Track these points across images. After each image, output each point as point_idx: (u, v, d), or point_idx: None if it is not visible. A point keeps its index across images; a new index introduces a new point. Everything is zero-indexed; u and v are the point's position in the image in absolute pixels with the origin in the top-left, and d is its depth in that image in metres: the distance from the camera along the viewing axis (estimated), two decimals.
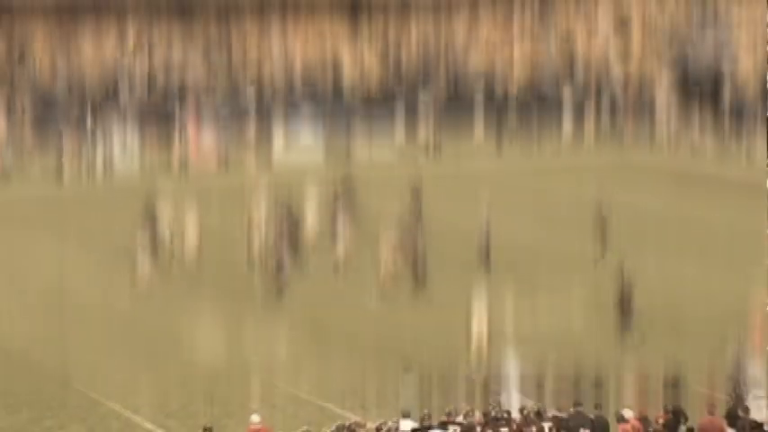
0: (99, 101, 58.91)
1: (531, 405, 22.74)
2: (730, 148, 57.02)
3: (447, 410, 21.92)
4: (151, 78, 61.01)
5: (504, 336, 30.11)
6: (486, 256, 35.74)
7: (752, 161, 55.11)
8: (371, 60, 65.42)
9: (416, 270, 33.69)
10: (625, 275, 30.03)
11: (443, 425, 21.39)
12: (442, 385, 26.59)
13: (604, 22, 68.71)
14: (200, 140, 54.67)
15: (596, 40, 67.52)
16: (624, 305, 29.80)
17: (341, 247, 36.23)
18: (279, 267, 33.15)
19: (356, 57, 65.62)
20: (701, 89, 62.16)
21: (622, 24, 68.26)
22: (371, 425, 21.13)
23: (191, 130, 54.84)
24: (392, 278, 34.02)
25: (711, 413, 22.02)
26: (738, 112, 58.73)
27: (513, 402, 22.94)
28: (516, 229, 41.33)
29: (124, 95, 59.72)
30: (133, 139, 54.98)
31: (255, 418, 21.52)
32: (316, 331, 30.56)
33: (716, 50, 64.05)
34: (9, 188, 49.00)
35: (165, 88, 60.57)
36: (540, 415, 22.04)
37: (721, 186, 50.42)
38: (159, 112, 57.89)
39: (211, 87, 61.29)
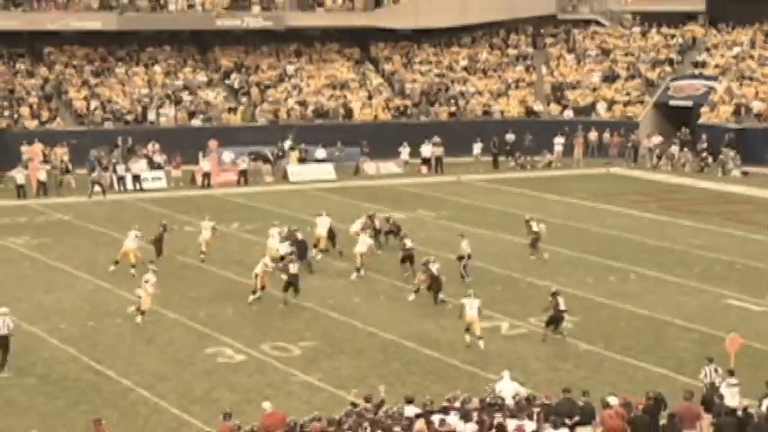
0: (131, 123, 59.14)
1: (522, 392, 22.82)
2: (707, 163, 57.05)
3: (447, 397, 21.96)
4: (177, 103, 61.15)
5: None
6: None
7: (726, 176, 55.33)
8: (379, 84, 65.55)
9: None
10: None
11: (444, 410, 21.41)
12: (439, 373, 26.64)
13: (591, 50, 68.86)
14: (221, 159, 54.57)
15: (584, 67, 67.67)
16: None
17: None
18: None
19: (365, 81, 65.76)
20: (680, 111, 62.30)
21: (606, 53, 68.40)
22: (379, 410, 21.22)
23: (212, 148, 54.74)
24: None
25: (688, 399, 22.02)
26: (713, 131, 58.79)
27: (507, 389, 22.82)
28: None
29: (153, 118, 59.88)
30: (161, 157, 54.93)
31: (267, 404, 21.51)
32: (329, 328, 30.57)
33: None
34: (48, 200, 49.04)
35: (188, 112, 60.69)
36: (529, 401, 22.06)
37: (698, 199, 50.51)
38: (186, 134, 57.99)
39: (233, 110, 61.46)
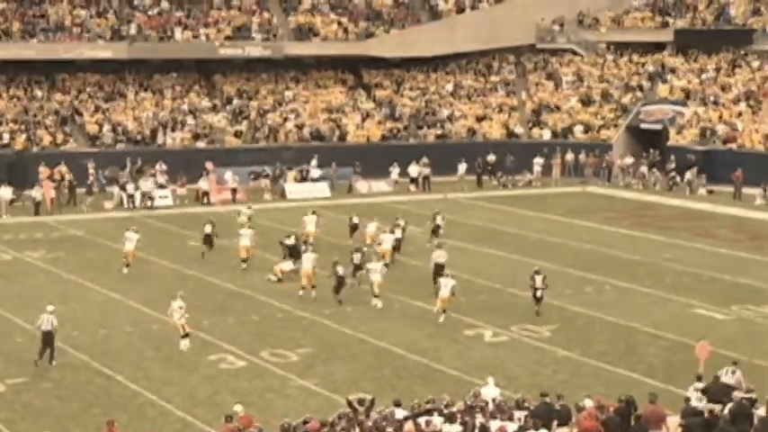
0: (140, 144, 59.11)
1: (504, 397, 22.80)
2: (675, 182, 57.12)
3: (427, 399, 21.85)
4: (183, 126, 61.13)
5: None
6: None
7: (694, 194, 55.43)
8: (371, 109, 65.57)
9: None
10: None
11: (427, 412, 21.35)
12: (427, 378, 26.59)
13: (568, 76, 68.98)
14: (221, 178, 54.53)
15: (561, 92, 67.77)
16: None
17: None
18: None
19: (358, 106, 65.78)
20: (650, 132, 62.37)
21: (582, 80, 68.53)
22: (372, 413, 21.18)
23: (209, 169, 54.65)
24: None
25: (653, 402, 21.99)
26: (681, 152, 58.87)
27: (492, 394, 22.79)
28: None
29: (161, 140, 59.85)
30: (163, 177, 54.91)
31: (238, 407, 21.43)
32: (324, 336, 30.52)
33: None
34: (63, 217, 48.95)
35: (193, 134, 60.66)
36: (518, 404, 22.01)
37: (668, 215, 50.56)
38: (191, 155, 57.94)
39: (238, 133, 61.44)
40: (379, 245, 38.66)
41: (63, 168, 53.73)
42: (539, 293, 32.61)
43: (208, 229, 40.42)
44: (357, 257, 35.65)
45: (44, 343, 27.38)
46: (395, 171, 57.72)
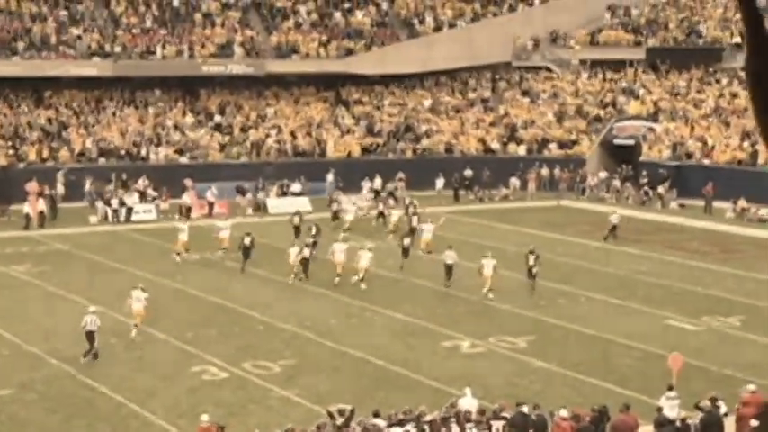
0: (124, 160, 58.95)
1: (480, 407, 22.81)
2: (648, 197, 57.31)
3: (407, 410, 21.86)
4: (167, 141, 61.03)
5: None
6: None
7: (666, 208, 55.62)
8: (351, 125, 65.62)
9: None
10: None
11: (400, 423, 21.34)
12: (406, 389, 26.58)
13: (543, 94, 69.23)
14: (201, 193, 54.42)
15: (536, 109, 68.00)
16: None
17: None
18: None
19: (338, 122, 65.83)
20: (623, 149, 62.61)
21: (556, 96, 68.79)
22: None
23: (188, 185, 54.52)
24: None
25: (623, 412, 22.06)
26: (653, 167, 59.10)
27: (469, 405, 22.80)
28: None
29: (145, 155, 59.71)
30: (150, 190, 54.77)
31: (204, 417, 21.38)
32: (306, 347, 30.48)
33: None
34: (48, 231, 48.73)
35: (177, 150, 60.56)
36: (495, 414, 22.03)
37: (640, 229, 50.71)
38: (174, 170, 57.80)
39: (222, 147, 61.36)
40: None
41: (60, 179, 53.75)
42: (534, 270, 36.30)
43: (247, 241, 40.43)
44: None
45: (89, 342, 28.54)
46: (366, 186, 57.84)
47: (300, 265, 38.21)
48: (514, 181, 59.96)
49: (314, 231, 42.32)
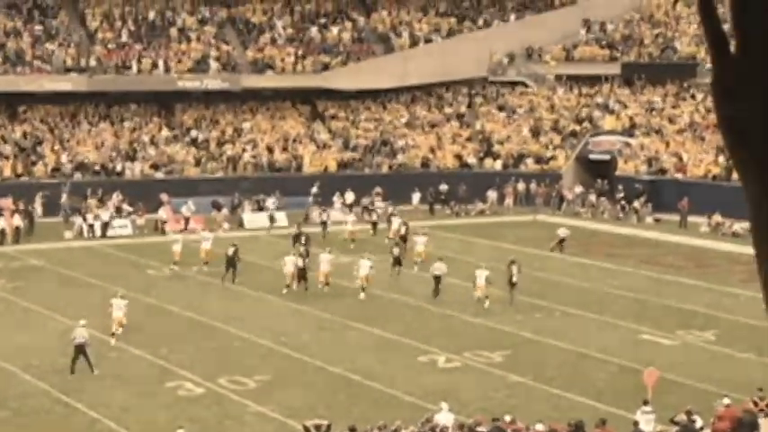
0: (100, 174, 58.75)
1: (456, 421, 22.84)
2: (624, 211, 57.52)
3: (382, 425, 21.86)
4: (143, 156, 60.90)
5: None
6: None
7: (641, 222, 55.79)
8: (327, 139, 65.65)
9: None
10: None
11: None
12: (382, 404, 26.56)
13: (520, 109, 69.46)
14: (176, 207, 54.24)
15: (512, 123, 68.18)
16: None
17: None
18: None
19: (314, 137, 65.84)
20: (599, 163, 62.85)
21: (532, 111, 69.02)
22: None
23: (165, 200, 54.33)
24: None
25: (600, 427, 22.13)
26: (628, 182, 59.35)
27: (446, 420, 22.83)
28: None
29: (120, 170, 59.53)
30: (125, 206, 54.60)
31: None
32: (281, 363, 30.43)
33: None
34: (23, 246, 48.50)
35: (152, 165, 60.41)
36: (472, 429, 22.06)
37: (616, 243, 50.87)
38: (149, 185, 57.61)
39: (189, 163, 61.23)
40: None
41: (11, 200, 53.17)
42: (514, 279, 37.03)
43: (230, 251, 40.64)
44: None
45: (76, 355, 28.70)
46: (338, 200, 57.79)
47: (297, 275, 38.58)
48: (491, 194, 60.07)
49: (303, 240, 42.57)
